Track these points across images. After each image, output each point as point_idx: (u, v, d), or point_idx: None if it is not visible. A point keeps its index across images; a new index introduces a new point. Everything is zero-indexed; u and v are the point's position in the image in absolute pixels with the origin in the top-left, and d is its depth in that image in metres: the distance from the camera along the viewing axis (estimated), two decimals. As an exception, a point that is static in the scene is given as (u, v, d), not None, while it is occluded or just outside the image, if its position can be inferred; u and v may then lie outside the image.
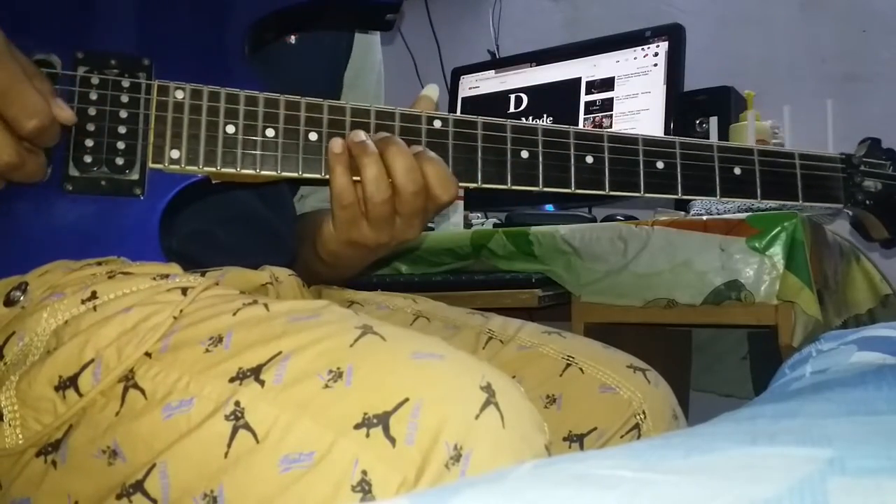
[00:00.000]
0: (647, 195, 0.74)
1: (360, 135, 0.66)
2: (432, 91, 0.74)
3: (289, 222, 0.87)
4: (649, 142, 0.75)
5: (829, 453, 0.27)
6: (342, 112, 0.69)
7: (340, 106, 0.69)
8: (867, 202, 0.82)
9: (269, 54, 0.79)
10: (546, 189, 0.72)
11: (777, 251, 1.09)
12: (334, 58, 0.91)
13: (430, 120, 0.70)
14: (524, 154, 0.72)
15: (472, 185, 0.71)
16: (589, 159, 0.73)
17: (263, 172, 0.67)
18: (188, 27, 0.71)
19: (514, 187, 0.72)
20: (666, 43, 1.55)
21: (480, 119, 0.72)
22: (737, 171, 0.77)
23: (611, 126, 1.58)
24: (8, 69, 0.57)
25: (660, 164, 0.74)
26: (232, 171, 0.67)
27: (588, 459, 0.28)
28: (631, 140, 0.74)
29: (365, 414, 0.46)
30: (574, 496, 0.24)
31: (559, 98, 1.66)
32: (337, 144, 0.66)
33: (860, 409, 0.36)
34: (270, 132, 0.67)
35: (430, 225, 1.51)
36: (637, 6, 1.81)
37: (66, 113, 0.61)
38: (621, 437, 0.70)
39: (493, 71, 1.78)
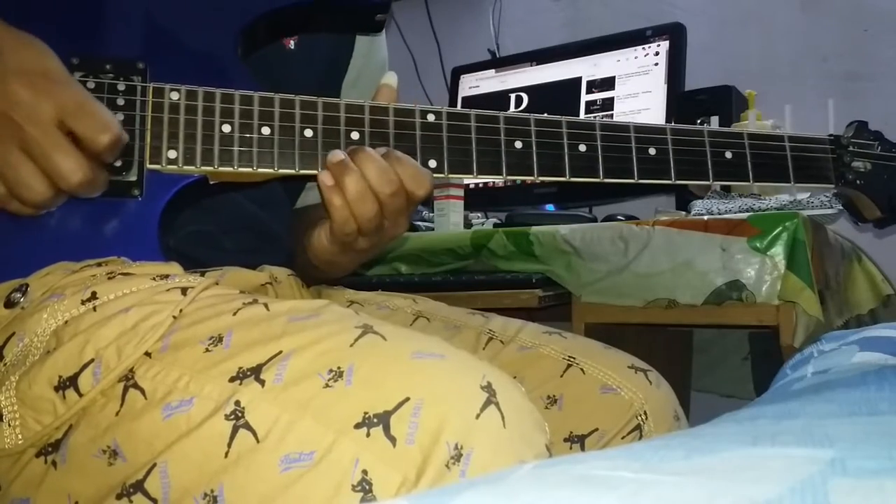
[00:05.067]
0: (641, 181, 0.75)
1: (339, 154, 0.66)
2: (391, 79, 0.73)
3: (284, 223, 0.87)
4: (641, 129, 0.76)
5: (830, 454, 0.27)
6: (336, 108, 0.69)
7: (335, 103, 0.69)
8: (857, 182, 0.83)
9: (266, 59, 0.79)
10: (542, 178, 0.73)
11: (778, 251, 1.09)
12: (333, 64, 0.91)
13: (424, 114, 0.71)
14: (518, 144, 0.73)
15: (469, 177, 0.72)
16: (582, 147, 0.74)
17: (260, 170, 0.67)
18: (181, 30, 0.71)
19: (510, 177, 0.72)
20: (667, 42, 1.55)
21: (473, 112, 0.72)
22: (728, 154, 0.78)
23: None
24: (77, 87, 0.59)
25: (652, 151, 0.76)
26: (229, 169, 0.67)
27: (589, 460, 0.28)
28: (622, 128, 0.75)
29: (365, 413, 0.46)
30: (574, 497, 0.24)
31: (560, 97, 1.66)
32: (327, 177, 0.66)
33: (862, 409, 0.36)
34: (266, 130, 0.67)
35: (430, 225, 1.51)
36: (638, 5, 1.81)
37: (125, 134, 0.62)
38: (622, 437, 0.70)
39: (494, 70, 1.78)
